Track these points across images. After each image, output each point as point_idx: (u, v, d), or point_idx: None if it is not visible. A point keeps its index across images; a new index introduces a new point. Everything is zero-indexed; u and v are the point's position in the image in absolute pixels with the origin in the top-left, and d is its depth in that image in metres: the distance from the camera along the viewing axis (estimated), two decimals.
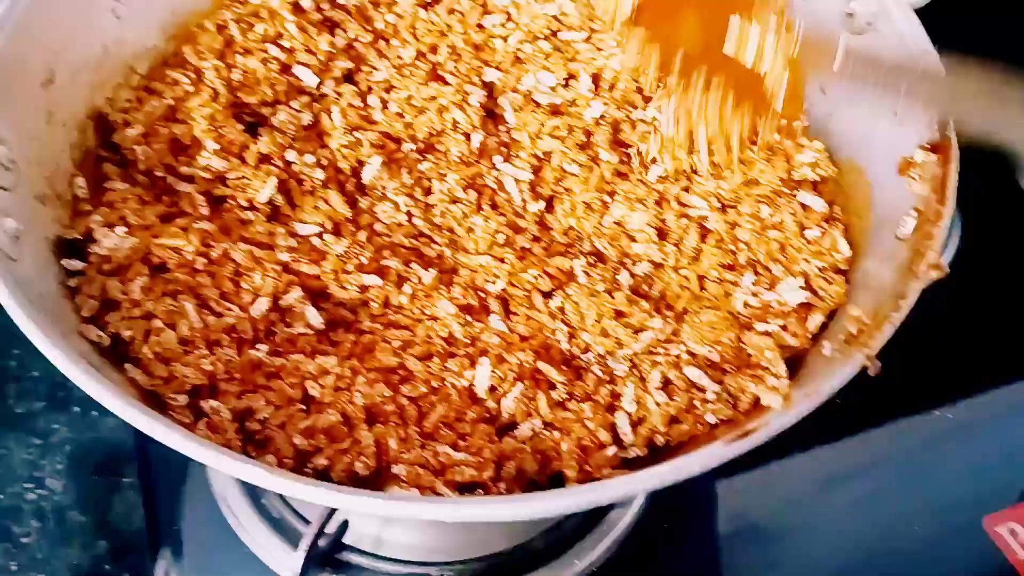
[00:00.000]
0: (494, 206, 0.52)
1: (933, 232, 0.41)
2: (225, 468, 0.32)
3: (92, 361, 0.38)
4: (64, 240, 0.44)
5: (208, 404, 0.39)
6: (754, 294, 0.45)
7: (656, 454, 0.42)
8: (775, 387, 0.40)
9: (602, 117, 0.54)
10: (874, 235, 0.45)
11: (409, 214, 0.52)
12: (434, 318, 0.46)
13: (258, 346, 0.42)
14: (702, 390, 0.42)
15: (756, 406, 0.41)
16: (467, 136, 0.54)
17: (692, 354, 0.43)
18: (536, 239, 0.50)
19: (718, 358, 0.43)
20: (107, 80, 0.51)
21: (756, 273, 0.46)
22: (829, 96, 0.51)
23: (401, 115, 0.54)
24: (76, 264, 0.42)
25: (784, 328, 0.42)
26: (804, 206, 0.47)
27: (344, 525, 0.50)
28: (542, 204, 0.52)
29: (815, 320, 0.43)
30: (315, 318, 0.45)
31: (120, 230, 0.43)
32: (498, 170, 0.53)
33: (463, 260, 0.49)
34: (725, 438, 0.34)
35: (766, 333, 0.42)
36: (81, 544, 0.58)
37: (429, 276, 0.48)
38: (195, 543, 0.58)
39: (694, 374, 0.42)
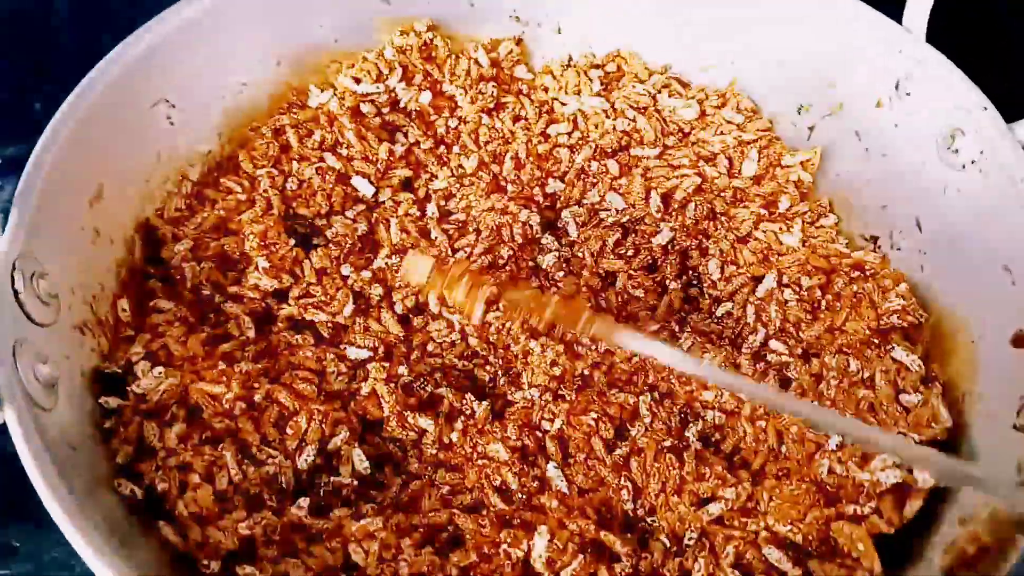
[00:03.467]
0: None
1: None
2: None
3: (118, 522, 0.35)
4: (101, 374, 0.41)
5: (243, 570, 0.36)
6: (840, 461, 0.41)
7: None
8: None
9: (671, 243, 0.50)
10: (982, 407, 0.40)
11: (463, 332, 0.49)
12: (487, 457, 0.43)
13: (300, 502, 0.39)
14: (782, 574, 0.38)
15: None
16: (526, 252, 0.51)
17: (772, 532, 0.39)
18: (596, 365, 0.47)
19: (801, 540, 0.39)
20: (157, 190, 0.49)
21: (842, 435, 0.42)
22: (925, 231, 0.47)
23: (462, 229, 0.51)
24: (113, 402, 0.40)
25: (878, 513, 0.38)
26: (897, 363, 0.43)
27: None
28: None
29: (913, 507, 0.38)
30: (362, 462, 0.42)
31: (158, 370, 0.41)
32: (558, 287, 0.50)
33: (517, 395, 0.46)
34: None
35: (856, 517, 0.38)
36: None
37: (481, 409, 0.45)
38: None
39: (774, 556, 0.38)
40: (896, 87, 0.47)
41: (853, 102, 0.50)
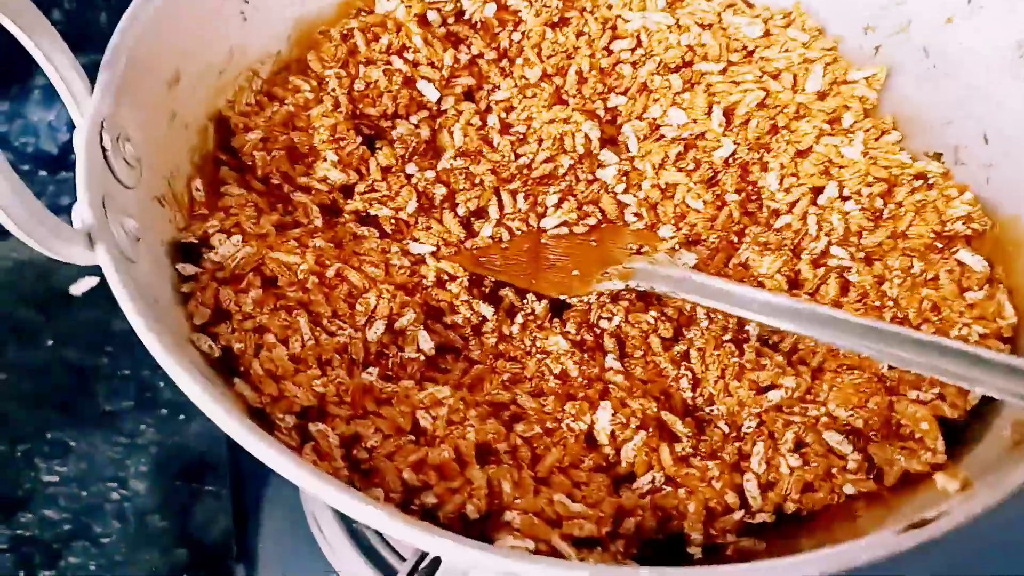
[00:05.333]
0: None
1: None
2: (344, 506, 0.29)
3: (203, 373, 0.36)
4: (178, 244, 0.42)
5: (316, 427, 0.37)
6: None
7: (783, 522, 0.39)
8: (931, 463, 0.36)
9: (732, 156, 0.51)
10: None
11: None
12: (545, 352, 0.44)
13: (369, 370, 0.40)
14: (841, 457, 0.39)
15: (905, 482, 0.37)
16: (586, 163, 0.51)
17: (832, 417, 0.40)
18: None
19: (862, 424, 0.39)
20: (230, 83, 0.50)
21: None
22: (992, 145, 0.47)
23: (523, 139, 0.52)
24: (190, 269, 0.41)
25: (941, 398, 0.38)
26: (961, 264, 0.43)
27: (437, 560, 0.47)
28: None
29: (977, 392, 0.38)
30: (427, 342, 0.43)
31: (236, 238, 0.42)
32: (618, 199, 0.51)
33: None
34: (896, 526, 0.30)
35: (919, 401, 0.39)
36: (160, 550, 0.57)
37: (541, 306, 0.46)
38: (279, 559, 0.57)
39: (834, 439, 0.39)
40: (968, 1, 0.47)
41: (921, 19, 0.50)
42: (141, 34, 0.42)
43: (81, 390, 0.63)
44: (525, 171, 0.51)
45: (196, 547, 0.57)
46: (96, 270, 0.35)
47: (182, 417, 0.62)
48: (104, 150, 0.37)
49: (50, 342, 0.64)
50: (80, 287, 0.59)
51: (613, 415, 0.39)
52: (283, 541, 0.59)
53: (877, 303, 0.43)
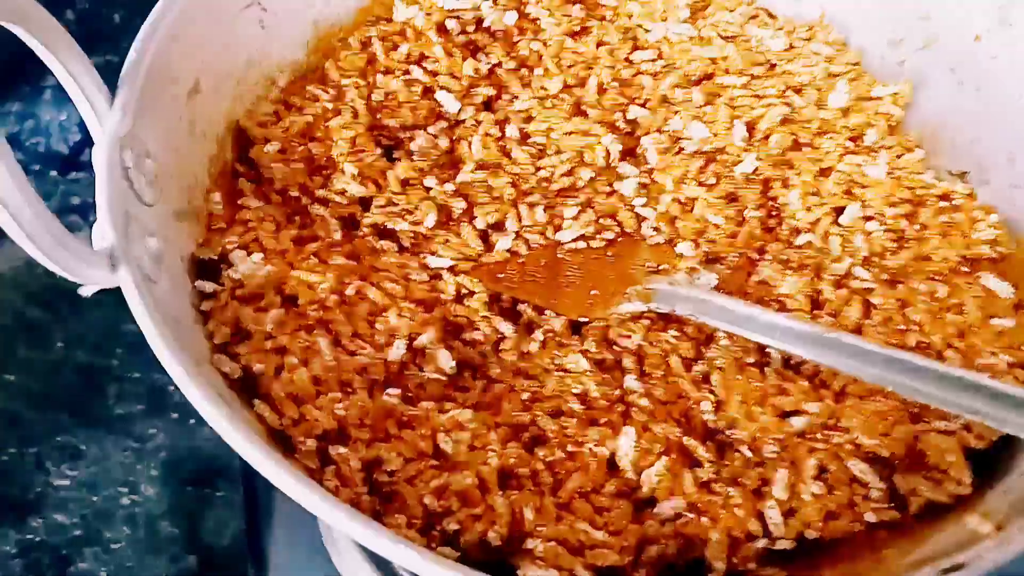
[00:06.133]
0: None
1: None
2: (363, 538, 0.29)
3: (222, 394, 0.36)
4: (197, 260, 0.42)
5: (337, 451, 0.37)
6: None
7: (804, 549, 0.39)
8: (956, 494, 0.36)
9: (755, 172, 0.50)
10: None
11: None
12: (565, 370, 0.44)
13: (389, 391, 0.40)
14: (865, 485, 0.39)
15: (930, 511, 0.37)
16: (605, 176, 0.51)
17: (856, 444, 0.39)
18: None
19: (887, 454, 0.39)
20: (248, 92, 0.49)
21: None
22: (1019, 165, 0.46)
23: (542, 151, 0.51)
24: (210, 286, 0.41)
25: (967, 428, 0.38)
26: (987, 290, 0.43)
27: None
28: None
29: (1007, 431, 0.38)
30: (448, 362, 0.42)
31: (256, 256, 0.41)
32: (637, 213, 0.50)
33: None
34: (925, 570, 0.29)
35: (945, 432, 0.38)
36: (170, 556, 0.57)
37: (560, 323, 0.46)
38: (291, 566, 0.57)
39: (858, 468, 0.38)
40: (998, 17, 0.47)
41: (948, 34, 0.50)
42: (160, 46, 0.41)
43: (91, 392, 0.63)
44: (544, 183, 0.51)
45: (207, 553, 0.57)
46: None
47: (193, 421, 0.62)
48: (126, 168, 0.37)
49: (60, 343, 0.63)
50: (89, 288, 0.59)
51: (636, 441, 0.39)
52: (294, 547, 0.58)
53: (901, 327, 0.43)
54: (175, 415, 0.62)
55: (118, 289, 0.34)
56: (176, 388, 0.63)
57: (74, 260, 0.32)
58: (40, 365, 0.62)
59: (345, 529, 0.29)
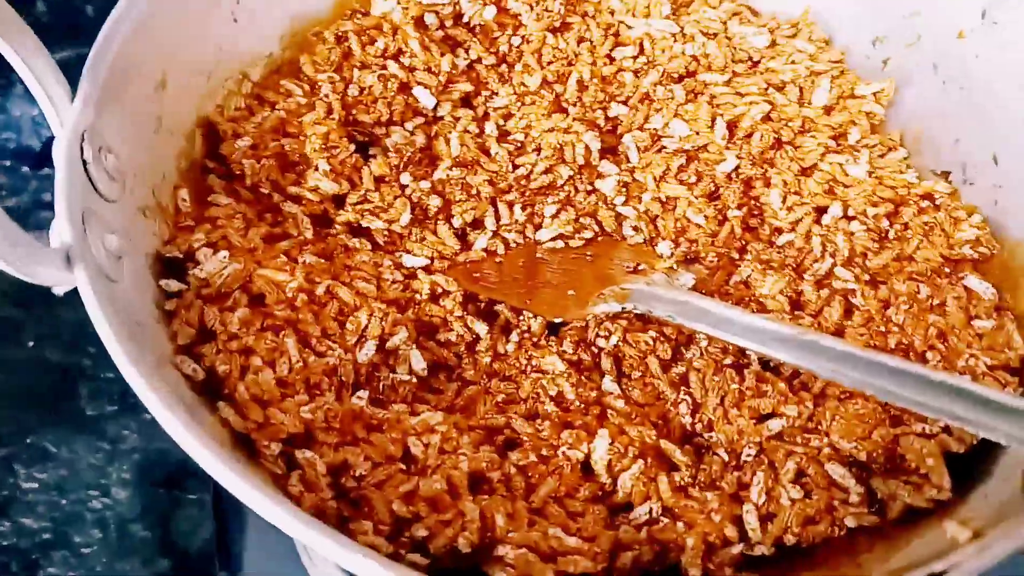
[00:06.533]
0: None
1: None
2: (331, 553, 0.28)
3: (184, 397, 0.35)
4: (162, 258, 0.41)
5: (303, 455, 0.36)
6: None
7: (783, 554, 0.38)
8: (935, 499, 0.35)
9: (736, 171, 0.50)
10: None
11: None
12: (541, 371, 0.43)
13: (359, 393, 0.39)
14: (844, 490, 0.38)
15: (909, 516, 0.36)
16: (585, 174, 0.50)
17: (835, 448, 0.38)
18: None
19: (865, 457, 0.38)
20: (218, 87, 0.48)
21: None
22: (1002, 165, 0.45)
23: (521, 149, 0.50)
24: (175, 285, 0.39)
25: (947, 431, 0.37)
26: (969, 291, 0.42)
27: None
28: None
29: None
30: (419, 363, 0.41)
31: (222, 254, 0.40)
32: (617, 212, 0.50)
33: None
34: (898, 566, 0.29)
35: (924, 435, 0.38)
36: (143, 559, 0.55)
37: (537, 323, 0.45)
38: (263, 568, 0.56)
39: (837, 472, 0.38)
40: (982, 16, 0.46)
41: (931, 33, 0.49)
42: (126, 39, 0.40)
43: (63, 392, 0.61)
44: (523, 182, 0.50)
45: (179, 556, 0.56)
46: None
47: None
48: (85, 162, 0.35)
49: (31, 342, 0.62)
50: (62, 287, 0.58)
51: (611, 444, 0.38)
52: (266, 550, 0.57)
53: (882, 328, 0.42)
54: (147, 416, 0.60)
55: None
56: None
57: (26, 258, 0.31)
58: (11, 363, 0.61)
59: (303, 539, 0.28)
